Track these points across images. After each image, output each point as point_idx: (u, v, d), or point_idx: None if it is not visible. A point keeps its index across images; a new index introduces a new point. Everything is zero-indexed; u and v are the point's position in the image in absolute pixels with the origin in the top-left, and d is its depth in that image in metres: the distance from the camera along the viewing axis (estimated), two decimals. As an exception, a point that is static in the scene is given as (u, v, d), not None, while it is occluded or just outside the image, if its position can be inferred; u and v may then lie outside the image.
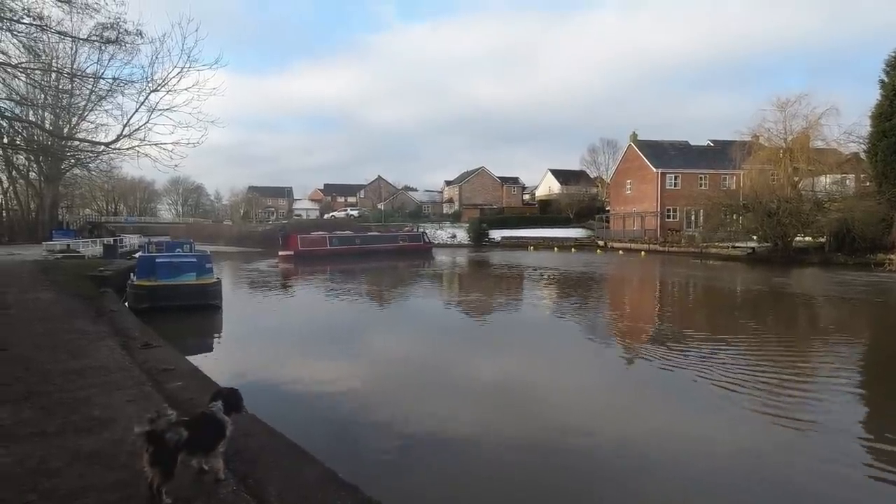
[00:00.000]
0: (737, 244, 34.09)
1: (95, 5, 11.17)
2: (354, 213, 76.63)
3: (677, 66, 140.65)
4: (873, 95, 31.23)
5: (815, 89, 59.58)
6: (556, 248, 47.99)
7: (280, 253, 37.69)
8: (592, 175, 78.12)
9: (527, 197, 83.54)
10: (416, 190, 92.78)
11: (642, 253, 40.72)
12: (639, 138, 49.63)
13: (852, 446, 5.83)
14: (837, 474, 5.17)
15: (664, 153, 47.88)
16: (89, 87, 16.11)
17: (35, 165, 40.53)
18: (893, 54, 31.39)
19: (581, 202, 65.22)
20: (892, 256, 25.71)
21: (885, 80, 31.59)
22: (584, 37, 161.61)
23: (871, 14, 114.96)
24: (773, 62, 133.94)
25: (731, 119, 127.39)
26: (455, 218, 69.58)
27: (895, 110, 30.62)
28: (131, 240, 39.96)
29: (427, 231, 51.84)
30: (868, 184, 32.56)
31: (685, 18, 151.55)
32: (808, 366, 9.51)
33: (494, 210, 70.74)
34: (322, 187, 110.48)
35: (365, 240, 43.66)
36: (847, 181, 34.91)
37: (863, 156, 34.03)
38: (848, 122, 34.85)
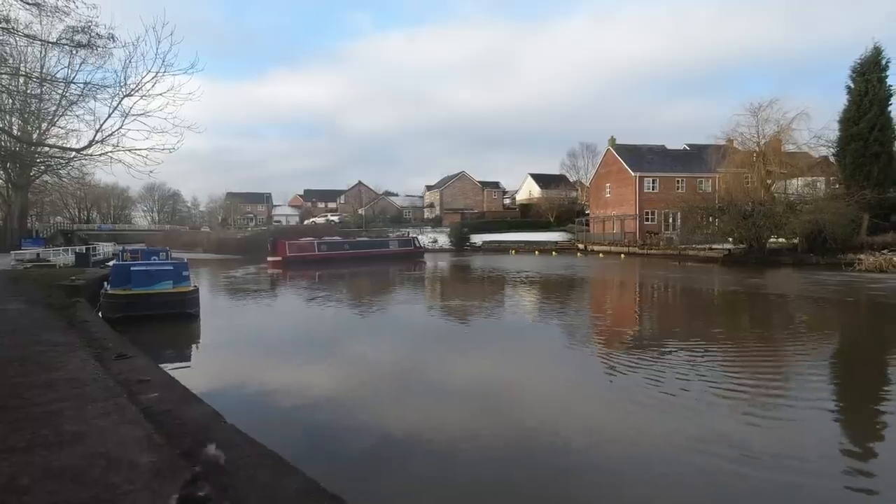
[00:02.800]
0: (713, 246, 34.74)
1: (65, 8, 10.87)
2: (335, 218, 76.11)
3: (649, 74, 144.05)
4: (835, 102, 32.35)
5: (783, 95, 61.05)
6: (536, 252, 48.29)
7: (269, 258, 37.66)
8: (572, 179, 79.05)
9: (507, 201, 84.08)
10: (396, 195, 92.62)
11: (622, 256, 41.23)
12: (617, 143, 50.38)
13: (820, 446, 5.95)
14: (803, 476, 5.26)
15: (642, 157, 48.66)
16: (60, 91, 15.76)
17: (2, 172, 39.26)
18: (859, 61, 32.60)
19: (561, 206, 65.85)
20: (862, 256, 26.50)
21: (852, 86, 32.75)
22: (559, 45, 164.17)
23: (827, 28, 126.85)
24: (742, 70, 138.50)
25: (705, 123, 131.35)
26: (436, 223, 69.68)
27: (861, 115, 31.74)
28: (105, 248, 38.99)
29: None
30: (837, 186, 33.57)
31: (653, 29, 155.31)
32: (783, 366, 9.71)
33: (475, 214, 70.99)
34: (302, 193, 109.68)
35: (354, 245, 43.59)
36: (818, 184, 35.92)
37: (832, 159, 35.14)
38: (817, 126, 35.97)
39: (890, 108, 31.98)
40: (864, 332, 13.45)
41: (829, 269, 26.53)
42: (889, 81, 31.87)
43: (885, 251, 26.66)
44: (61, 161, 19.68)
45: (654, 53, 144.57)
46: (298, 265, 35.81)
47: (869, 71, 31.92)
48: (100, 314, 13.65)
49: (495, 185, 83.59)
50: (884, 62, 31.88)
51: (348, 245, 43.01)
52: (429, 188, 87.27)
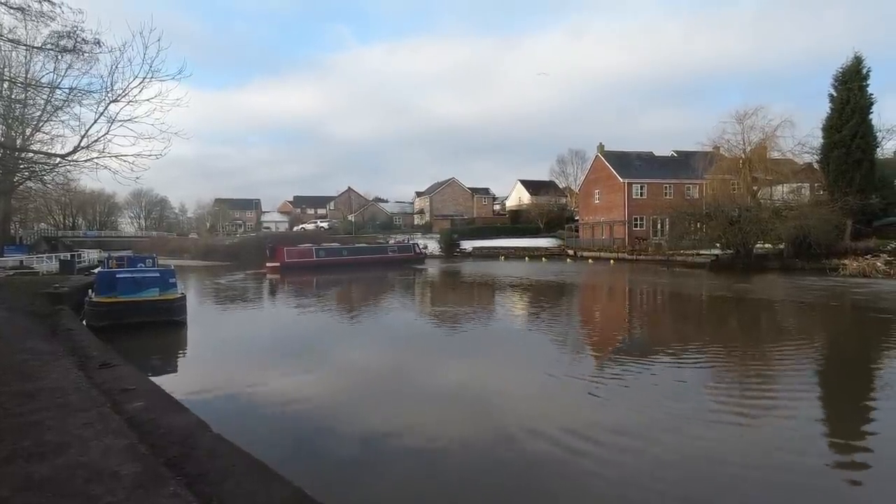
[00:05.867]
0: (701, 252, 35.06)
1: (51, 13, 10.70)
2: (325, 225, 75.72)
3: (628, 83, 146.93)
4: (810, 112, 33.03)
5: (760, 105, 62.34)
6: (527, 258, 48.42)
7: (267, 264, 37.71)
8: (561, 185, 79.47)
9: (497, 207, 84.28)
10: (386, 201, 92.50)
11: (611, 261, 41.48)
12: (606, 149, 50.79)
13: (803, 450, 6.00)
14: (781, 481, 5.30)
15: (630, 164, 49.10)
16: (45, 97, 15.54)
17: (-15, 178, 38.66)
18: (841, 70, 33.24)
19: (551, 212, 66.13)
20: (846, 261, 26.91)
21: (834, 94, 33.36)
22: (539, 57, 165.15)
23: (790, 43, 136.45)
24: (715, 80, 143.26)
25: (685, 131, 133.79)
26: (426, 229, 69.57)
27: (844, 123, 32.33)
28: (90, 255, 38.48)
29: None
30: (822, 192, 34.09)
31: (626, 44, 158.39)
32: (770, 369, 9.80)
33: (465, 220, 71.01)
34: (291, 199, 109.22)
35: (353, 251, 43.71)
36: (803, 190, 36.44)
37: (816, 166, 35.69)
38: (800, 134, 36.56)
39: (871, 116, 32.64)
40: (849, 337, 13.61)
41: (815, 273, 26.90)
42: (869, 90, 32.55)
43: (867, 256, 27.11)
44: (46, 167, 19.31)
45: (631, 65, 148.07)
46: (296, 271, 35.91)
47: (850, 80, 32.54)
48: (84, 322, 13.46)
49: (485, 191, 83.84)
50: (864, 71, 32.55)
51: (346, 251, 43.08)
52: (419, 194, 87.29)
